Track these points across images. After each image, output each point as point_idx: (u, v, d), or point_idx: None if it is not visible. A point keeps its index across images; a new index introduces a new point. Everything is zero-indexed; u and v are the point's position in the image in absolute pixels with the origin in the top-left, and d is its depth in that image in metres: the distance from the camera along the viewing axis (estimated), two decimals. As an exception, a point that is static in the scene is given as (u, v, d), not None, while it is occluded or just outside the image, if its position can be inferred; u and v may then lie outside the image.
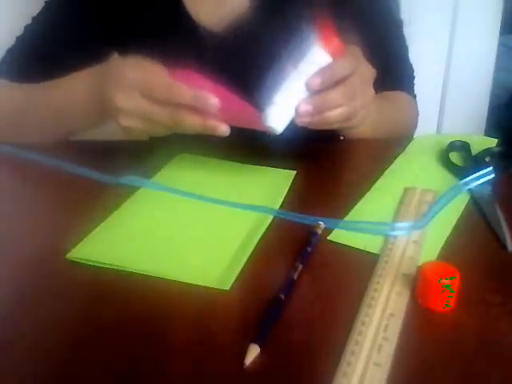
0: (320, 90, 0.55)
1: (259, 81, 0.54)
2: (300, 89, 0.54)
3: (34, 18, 0.79)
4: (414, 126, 0.88)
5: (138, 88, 0.56)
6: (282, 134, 0.55)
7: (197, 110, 0.54)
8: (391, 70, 0.84)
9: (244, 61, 0.75)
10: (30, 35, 0.79)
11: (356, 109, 0.59)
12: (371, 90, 0.62)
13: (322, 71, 0.54)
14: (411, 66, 0.88)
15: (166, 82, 0.55)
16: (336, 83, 0.55)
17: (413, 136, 0.87)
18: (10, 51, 0.79)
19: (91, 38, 0.78)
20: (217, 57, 0.77)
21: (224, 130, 0.54)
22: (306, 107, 0.54)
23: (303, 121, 0.55)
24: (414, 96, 0.89)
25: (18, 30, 0.80)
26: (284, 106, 0.54)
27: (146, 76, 0.56)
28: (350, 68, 0.56)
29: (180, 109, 0.54)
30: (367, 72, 0.61)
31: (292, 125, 0.55)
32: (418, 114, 0.90)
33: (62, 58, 0.76)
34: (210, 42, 0.77)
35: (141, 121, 0.57)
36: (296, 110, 0.54)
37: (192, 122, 0.54)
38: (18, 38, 0.80)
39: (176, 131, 0.58)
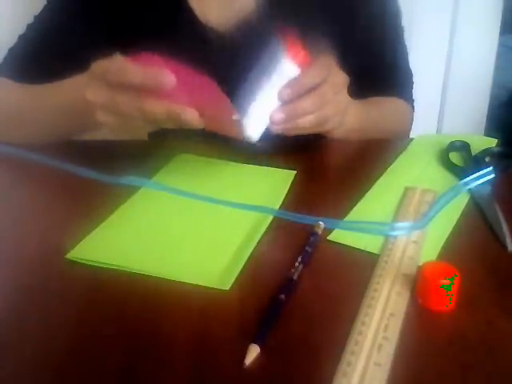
0: (291, 99, 0.58)
1: (240, 90, 0.58)
2: (273, 99, 0.59)
3: (36, 17, 0.79)
4: (404, 133, 0.88)
5: (99, 77, 0.55)
6: (258, 141, 0.60)
7: (161, 96, 0.53)
8: (387, 76, 0.85)
9: (245, 63, 0.76)
10: (32, 34, 0.79)
11: (327, 115, 0.62)
12: (344, 97, 0.65)
13: (291, 82, 0.59)
14: (410, 71, 0.88)
15: (120, 65, 0.54)
16: (306, 92, 0.59)
17: (407, 135, 0.88)
18: (12, 50, 0.79)
19: (94, 37, 0.78)
20: (222, 57, 0.77)
21: (191, 115, 0.53)
22: (278, 116, 0.58)
23: (277, 128, 0.59)
24: (412, 102, 0.89)
25: (20, 30, 0.80)
26: (258, 116, 0.59)
27: (105, 65, 0.56)
28: (318, 77, 0.60)
29: (142, 96, 0.53)
30: (339, 80, 0.63)
31: (268, 132, 0.60)
32: (410, 122, 0.90)
33: (64, 57, 0.76)
34: (215, 42, 0.77)
35: (112, 114, 0.57)
36: (270, 118, 0.58)
37: (156, 109, 0.53)
38: (20, 37, 0.80)
39: (150, 123, 0.57)
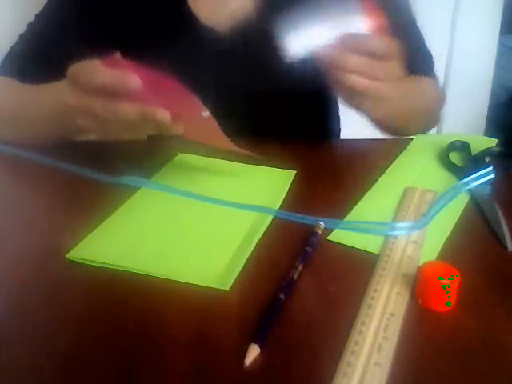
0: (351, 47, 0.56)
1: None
2: (330, 33, 0.56)
3: (37, 16, 0.80)
4: (439, 109, 0.87)
5: (73, 80, 0.55)
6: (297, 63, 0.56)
7: (134, 99, 0.53)
8: (416, 55, 0.82)
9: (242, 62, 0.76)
10: (33, 33, 0.79)
11: (380, 90, 0.58)
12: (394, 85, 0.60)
13: (357, 35, 0.56)
14: (430, 53, 0.89)
15: (90, 67, 0.54)
16: (368, 53, 0.56)
17: (439, 118, 0.88)
18: (13, 48, 0.80)
19: (93, 37, 0.78)
20: (219, 57, 0.77)
21: (163, 115, 0.52)
22: (329, 48, 0.55)
23: (322, 60, 0.56)
24: (436, 78, 0.89)
25: (20, 30, 0.80)
26: (309, 36, 0.56)
27: (77, 68, 0.56)
28: (386, 49, 0.57)
29: (115, 99, 0.53)
30: (397, 67, 0.60)
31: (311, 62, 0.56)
32: (443, 97, 0.88)
33: (64, 56, 0.76)
34: (213, 42, 0.77)
35: (90, 118, 0.56)
36: (321, 46, 0.55)
37: (128, 110, 0.53)
38: (21, 36, 0.80)
39: (127, 127, 0.56)
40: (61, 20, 0.78)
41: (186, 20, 0.78)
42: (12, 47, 0.80)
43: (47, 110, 0.67)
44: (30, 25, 0.80)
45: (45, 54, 0.77)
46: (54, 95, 0.65)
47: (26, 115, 0.71)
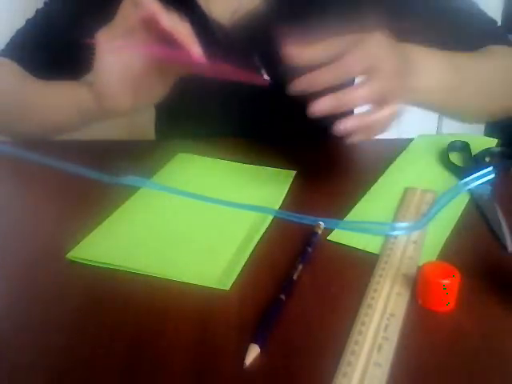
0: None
1: None
2: None
3: (45, 3, 0.80)
4: None
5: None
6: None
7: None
8: (471, 28, 0.73)
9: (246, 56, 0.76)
10: (40, 17, 0.79)
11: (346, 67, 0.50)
12: (373, 43, 0.51)
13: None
14: (490, 18, 0.76)
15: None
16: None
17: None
18: (19, 32, 0.80)
19: (97, 22, 0.77)
20: (226, 51, 0.77)
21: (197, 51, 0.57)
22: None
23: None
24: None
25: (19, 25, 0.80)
26: None
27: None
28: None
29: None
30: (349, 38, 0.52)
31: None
32: None
33: (70, 43, 0.76)
34: (218, 34, 0.77)
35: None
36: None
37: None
38: (28, 21, 0.80)
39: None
40: (70, 7, 0.78)
41: (194, 15, 0.78)
42: (18, 30, 0.80)
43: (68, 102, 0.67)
44: (37, 11, 0.80)
45: (52, 37, 0.77)
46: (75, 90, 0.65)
47: (40, 107, 0.71)
